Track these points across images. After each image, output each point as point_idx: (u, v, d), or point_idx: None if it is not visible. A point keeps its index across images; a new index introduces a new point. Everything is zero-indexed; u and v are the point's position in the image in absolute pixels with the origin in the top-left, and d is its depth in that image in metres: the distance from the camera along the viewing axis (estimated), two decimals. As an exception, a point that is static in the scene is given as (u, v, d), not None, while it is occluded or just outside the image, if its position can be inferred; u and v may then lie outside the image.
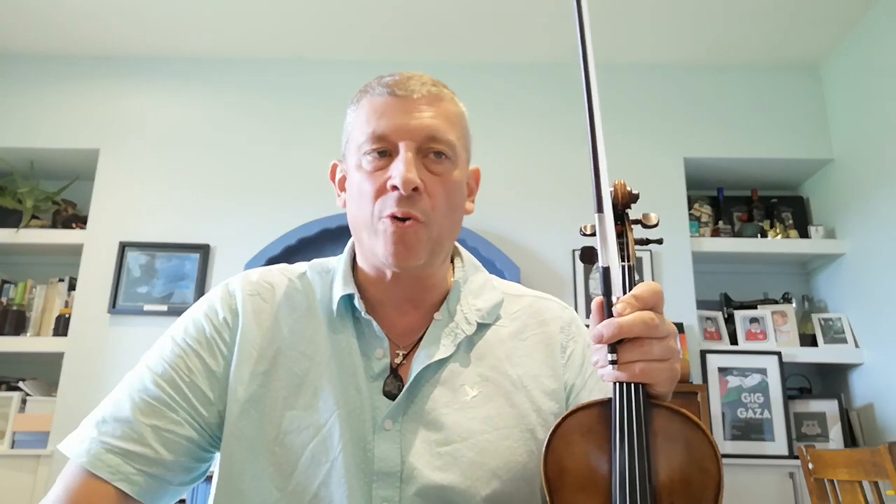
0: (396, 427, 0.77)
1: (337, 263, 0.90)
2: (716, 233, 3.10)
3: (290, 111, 3.13)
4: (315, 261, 0.93)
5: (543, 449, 0.69)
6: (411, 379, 0.79)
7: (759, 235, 3.04)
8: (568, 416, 0.69)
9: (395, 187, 0.77)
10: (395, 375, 0.81)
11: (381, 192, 0.78)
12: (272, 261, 2.87)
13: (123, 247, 2.92)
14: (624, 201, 0.77)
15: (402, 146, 0.79)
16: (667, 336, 0.66)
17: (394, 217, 0.77)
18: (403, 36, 3.06)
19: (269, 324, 0.84)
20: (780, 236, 3.04)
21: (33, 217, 3.05)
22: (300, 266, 0.92)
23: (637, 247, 0.76)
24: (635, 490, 0.63)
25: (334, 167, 0.92)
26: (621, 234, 0.75)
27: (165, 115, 3.14)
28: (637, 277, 0.72)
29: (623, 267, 0.72)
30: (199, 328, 0.83)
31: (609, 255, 0.65)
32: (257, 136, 3.10)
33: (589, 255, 0.70)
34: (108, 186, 3.01)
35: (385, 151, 0.79)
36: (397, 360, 0.83)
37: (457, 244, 0.92)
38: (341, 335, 0.83)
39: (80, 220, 3.05)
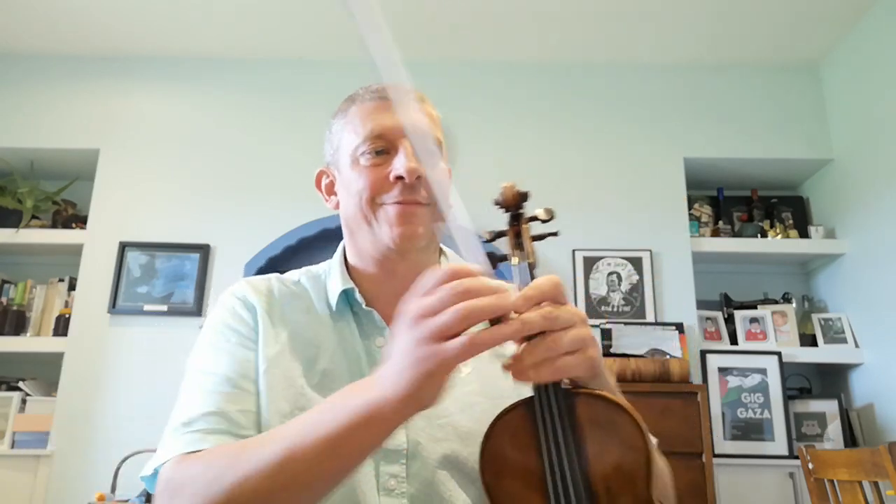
0: None
1: (327, 267, 0.95)
2: (716, 233, 3.10)
3: (291, 111, 3.12)
4: (304, 268, 0.98)
5: (479, 456, 0.69)
6: None
7: (759, 235, 3.04)
8: (496, 420, 0.69)
9: (398, 178, 0.82)
10: None
11: (379, 183, 0.84)
12: (272, 261, 2.88)
13: (123, 247, 2.92)
14: (516, 202, 0.75)
15: (400, 142, 0.85)
16: (572, 325, 0.62)
17: (397, 203, 0.83)
18: (404, 36, 3.05)
19: (277, 317, 0.89)
20: (780, 236, 3.04)
21: (33, 217, 3.05)
22: (293, 274, 0.97)
23: (535, 243, 0.74)
24: (567, 483, 0.64)
25: (320, 175, 0.97)
26: (518, 235, 0.74)
27: (165, 115, 3.14)
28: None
29: (528, 265, 0.72)
30: (231, 328, 0.87)
31: (469, 256, 0.68)
32: (258, 136, 3.10)
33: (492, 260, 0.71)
34: (108, 186, 3.01)
35: (382, 150, 0.85)
36: None
37: (442, 245, 0.96)
38: (343, 328, 0.88)
39: (80, 220, 3.05)
